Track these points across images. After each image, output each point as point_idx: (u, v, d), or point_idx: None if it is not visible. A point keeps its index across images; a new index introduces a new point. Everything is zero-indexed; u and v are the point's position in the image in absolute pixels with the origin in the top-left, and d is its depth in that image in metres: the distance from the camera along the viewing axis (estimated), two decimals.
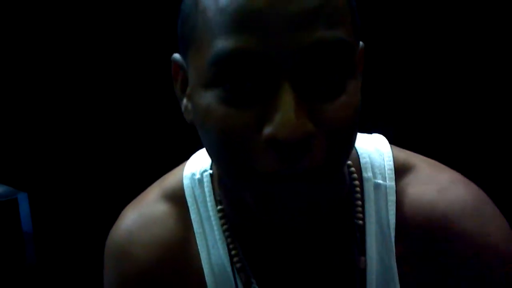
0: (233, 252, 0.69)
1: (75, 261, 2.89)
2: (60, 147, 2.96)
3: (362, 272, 0.69)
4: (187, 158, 0.76)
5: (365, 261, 0.68)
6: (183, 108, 0.62)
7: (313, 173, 0.53)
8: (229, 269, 0.69)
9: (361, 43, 0.61)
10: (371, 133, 0.76)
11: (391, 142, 0.74)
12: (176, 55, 0.63)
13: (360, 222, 0.68)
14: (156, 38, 2.70)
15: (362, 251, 0.69)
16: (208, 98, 0.53)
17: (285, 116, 0.49)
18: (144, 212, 0.74)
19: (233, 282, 0.69)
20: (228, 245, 0.69)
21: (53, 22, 2.80)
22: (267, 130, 0.50)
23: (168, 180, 0.76)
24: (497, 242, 0.65)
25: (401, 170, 0.70)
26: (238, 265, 0.69)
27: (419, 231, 0.67)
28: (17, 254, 2.61)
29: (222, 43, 0.50)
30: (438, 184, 0.68)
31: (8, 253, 2.58)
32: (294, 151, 0.50)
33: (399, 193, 0.69)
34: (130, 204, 0.77)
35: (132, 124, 2.93)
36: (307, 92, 0.51)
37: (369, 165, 0.70)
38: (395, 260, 0.68)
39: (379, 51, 2.60)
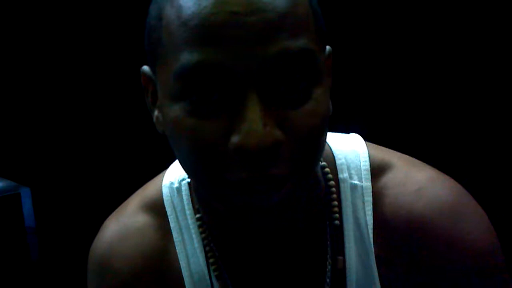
0: (211, 260, 0.70)
1: (78, 256, 2.90)
2: (63, 142, 2.97)
3: (341, 273, 0.69)
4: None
5: (343, 261, 0.69)
6: (154, 119, 0.63)
7: (282, 180, 0.54)
8: (207, 277, 0.71)
9: (328, 47, 0.61)
10: (347, 131, 0.75)
11: (365, 138, 0.73)
12: (145, 68, 0.64)
13: (337, 222, 0.69)
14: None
15: (340, 252, 0.69)
16: (176, 110, 0.54)
17: (252, 125, 0.50)
18: (124, 224, 0.76)
19: None
20: (206, 253, 0.70)
21: (62, 22, 2.81)
22: (235, 139, 0.51)
23: (148, 190, 0.78)
24: (476, 240, 0.66)
25: (378, 170, 0.70)
26: (216, 272, 0.70)
27: (397, 232, 0.68)
28: (19, 249, 2.63)
29: (186, 57, 0.51)
30: (415, 184, 0.68)
31: (10, 248, 2.59)
32: (262, 160, 0.51)
33: (376, 194, 0.69)
34: (111, 215, 0.79)
35: (134, 121, 2.93)
36: (273, 100, 0.52)
37: (345, 166, 0.70)
38: (374, 260, 0.69)
39: (352, 49, 2.61)
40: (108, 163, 2.99)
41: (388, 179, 0.69)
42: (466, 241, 0.65)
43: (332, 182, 0.69)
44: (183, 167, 0.60)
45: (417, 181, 0.68)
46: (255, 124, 0.50)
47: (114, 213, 0.79)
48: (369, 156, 0.71)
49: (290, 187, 0.55)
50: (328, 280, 0.69)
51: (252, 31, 0.50)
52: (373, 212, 0.69)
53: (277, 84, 0.52)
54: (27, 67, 2.86)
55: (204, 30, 0.50)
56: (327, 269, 0.69)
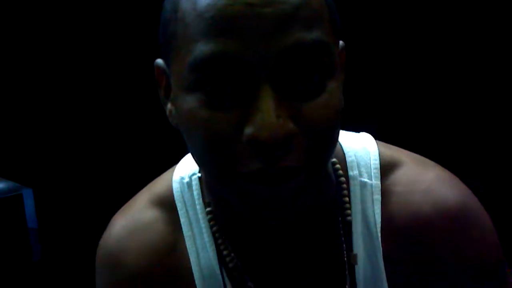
0: (224, 253, 0.70)
1: (80, 257, 2.90)
2: (65, 143, 2.97)
3: (351, 269, 0.69)
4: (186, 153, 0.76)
5: (355, 256, 0.69)
6: (167, 113, 0.63)
7: (294, 172, 0.54)
8: (218, 271, 0.71)
9: (341, 42, 0.61)
10: (357, 130, 0.76)
11: (375, 137, 0.74)
12: (159, 61, 0.64)
13: (349, 218, 0.69)
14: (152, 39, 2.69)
15: (350, 248, 0.70)
16: (190, 102, 0.54)
17: (265, 116, 0.50)
18: (133, 219, 0.76)
19: (222, 285, 0.70)
20: (218, 246, 0.71)
21: (68, 22, 2.81)
22: (248, 131, 0.51)
23: (157, 185, 0.78)
24: (479, 242, 0.67)
25: (387, 168, 0.71)
26: (230, 264, 0.70)
27: (404, 231, 0.68)
28: (22, 250, 2.63)
29: (201, 48, 0.51)
30: (423, 183, 0.68)
31: (13, 249, 2.59)
32: (275, 151, 0.51)
33: (385, 192, 0.70)
34: (119, 211, 0.79)
35: (136, 121, 2.93)
36: (287, 92, 0.52)
37: (355, 164, 0.71)
38: (382, 258, 0.69)
39: (364, 48, 2.61)
40: (110, 164, 2.99)
41: (397, 177, 0.70)
42: (469, 243, 0.67)
43: (343, 179, 0.69)
44: (195, 159, 0.60)
45: (425, 180, 0.69)
46: (268, 115, 0.50)
47: (122, 208, 0.79)
48: (379, 154, 0.71)
49: (302, 178, 0.55)
50: (340, 275, 0.70)
51: (266, 23, 0.50)
52: (382, 211, 0.69)
53: (291, 76, 0.53)
54: (29, 67, 2.86)
55: (219, 21, 0.51)
56: (340, 265, 0.70)
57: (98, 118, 2.95)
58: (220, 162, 0.55)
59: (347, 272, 0.70)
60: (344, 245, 0.70)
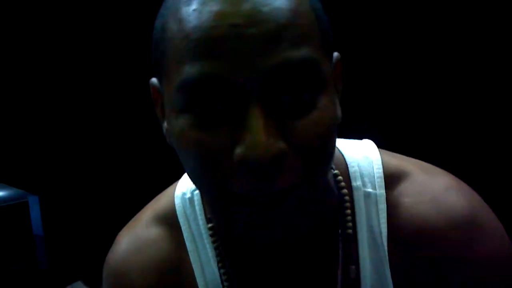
0: (222, 271, 0.70)
1: (86, 264, 2.91)
2: (71, 151, 2.98)
3: (355, 282, 0.68)
4: None
5: (356, 270, 0.68)
6: (164, 131, 0.63)
7: (287, 193, 0.53)
8: (222, 286, 0.70)
9: (335, 53, 0.60)
10: (360, 137, 0.74)
11: (379, 144, 0.72)
12: (154, 80, 0.64)
13: (350, 231, 0.68)
14: None
15: (354, 261, 0.69)
16: (181, 123, 0.54)
17: (254, 136, 0.49)
18: (137, 236, 0.76)
19: None
20: (218, 262, 0.70)
21: (75, 33, 2.82)
22: (238, 151, 0.50)
23: (160, 201, 0.78)
24: (490, 253, 0.65)
25: (393, 178, 0.69)
26: (226, 283, 0.70)
27: (411, 242, 0.67)
28: (27, 256, 2.63)
29: (188, 70, 0.51)
30: (430, 193, 0.67)
31: (18, 256, 2.59)
32: (266, 171, 0.50)
33: (391, 203, 0.68)
34: (124, 228, 0.79)
35: (143, 130, 2.94)
36: (276, 111, 0.51)
37: (358, 174, 0.69)
38: (389, 269, 0.68)
39: (366, 55, 2.61)
40: (116, 172, 2.99)
41: (404, 188, 0.68)
42: (479, 254, 0.65)
43: (345, 191, 0.68)
44: (190, 178, 0.60)
45: (433, 190, 0.67)
46: (258, 135, 0.49)
47: (127, 226, 0.79)
48: (382, 163, 0.70)
49: (294, 200, 0.54)
50: None
51: (252, 43, 0.49)
52: (388, 220, 0.68)
53: (280, 95, 0.52)
54: (37, 76, 2.87)
55: (205, 43, 0.50)
56: (339, 279, 0.69)
57: (104, 127, 2.95)
58: (212, 182, 0.54)
59: (339, 286, 0.69)
60: (340, 259, 0.69)
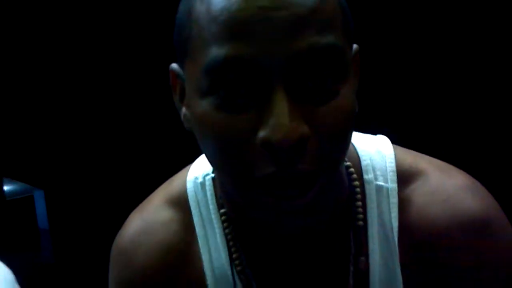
0: (234, 255, 0.70)
1: (92, 257, 2.91)
2: (76, 145, 2.98)
3: (364, 274, 0.69)
4: (199, 154, 0.76)
5: (366, 262, 0.68)
6: (182, 117, 0.63)
7: (308, 176, 0.53)
8: (229, 272, 0.70)
9: (355, 45, 0.61)
10: (375, 133, 0.75)
11: (393, 142, 0.72)
12: (174, 65, 0.64)
13: (361, 223, 0.68)
14: (168, 42, 2.70)
15: (364, 253, 0.69)
16: (204, 105, 0.54)
17: (278, 119, 0.50)
18: (148, 218, 0.76)
19: (233, 285, 0.70)
20: (230, 248, 0.70)
21: (81, 32, 2.82)
22: (262, 133, 0.51)
23: (172, 185, 0.77)
24: (501, 255, 0.65)
25: (406, 175, 0.69)
26: (238, 268, 0.70)
27: (421, 241, 0.67)
28: (33, 251, 2.64)
29: (215, 52, 0.51)
30: (444, 193, 0.66)
31: (24, 250, 2.60)
32: (289, 154, 0.51)
33: (404, 200, 0.68)
34: (135, 210, 0.79)
35: (147, 124, 2.94)
36: (300, 96, 0.52)
37: (370, 167, 0.69)
38: (398, 262, 0.68)
39: (379, 53, 2.60)
40: (122, 166, 2.99)
41: (417, 186, 0.68)
42: (490, 255, 0.65)
43: (357, 183, 0.68)
44: (210, 163, 0.60)
45: (446, 190, 0.67)
46: (282, 118, 0.50)
47: (138, 207, 0.79)
48: (395, 158, 0.70)
49: (317, 189, 0.55)
50: (351, 281, 0.69)
51: (280, 26, 0.50)
52: (399, 216, 0.68)
53: (305, 80, 0.52)
54: (41, 70, 2.87)
55: (233, 25, 0.51)
56: (350, 270, 0.69)
57: (110, 120, 2.95)
58: (234, 166, 0.54)
59: (350, 278, 0.69)
60: (352, 251, 0.69)
